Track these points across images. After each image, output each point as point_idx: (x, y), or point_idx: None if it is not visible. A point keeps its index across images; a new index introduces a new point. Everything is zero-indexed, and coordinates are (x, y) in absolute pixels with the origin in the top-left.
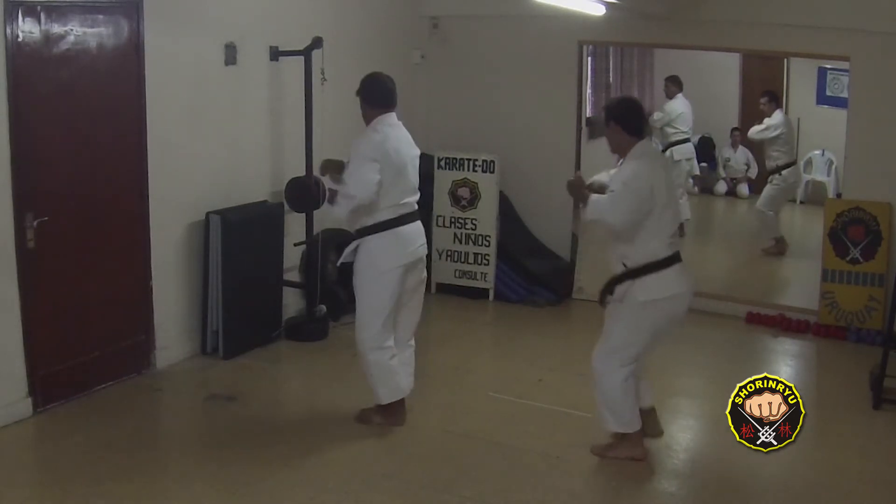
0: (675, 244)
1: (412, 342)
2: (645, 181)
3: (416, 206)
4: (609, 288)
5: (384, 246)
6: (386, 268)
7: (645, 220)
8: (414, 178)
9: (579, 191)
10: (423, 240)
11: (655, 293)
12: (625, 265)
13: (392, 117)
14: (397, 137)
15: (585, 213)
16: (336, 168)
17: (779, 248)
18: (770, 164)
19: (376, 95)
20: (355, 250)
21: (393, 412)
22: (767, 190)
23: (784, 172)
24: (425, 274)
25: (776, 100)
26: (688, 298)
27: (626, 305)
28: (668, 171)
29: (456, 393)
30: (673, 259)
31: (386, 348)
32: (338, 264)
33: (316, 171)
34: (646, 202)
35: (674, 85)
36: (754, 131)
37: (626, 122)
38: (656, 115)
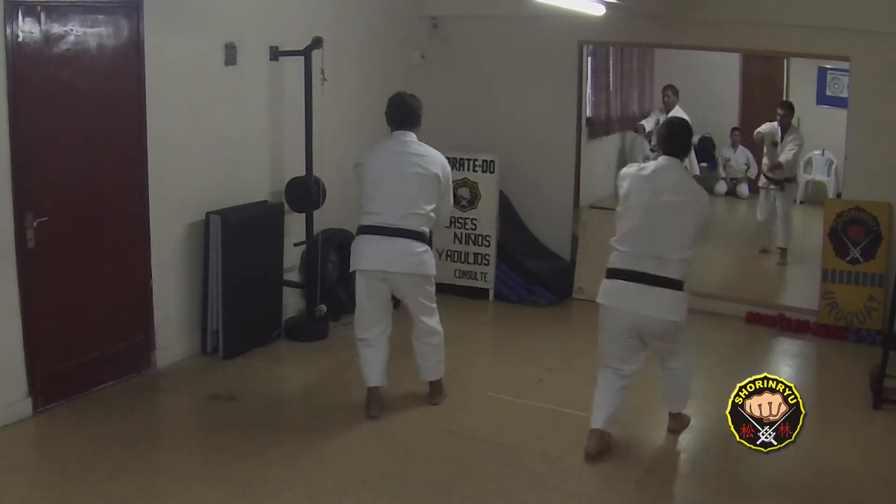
0: (628, 261)
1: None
2: (626, 182)
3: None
4: None
5: None
6: None
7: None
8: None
9: None
10: None
11: (599, 296)
12: None
13: None
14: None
15: None
16: None
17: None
18: (780, 174)
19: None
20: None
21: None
22: (768, 200)
23: (786, 185)
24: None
25: (793, 110)
26: (628, 317)
27: None
28: (654, 187)
29: (456, 393)
30: (615, 273)
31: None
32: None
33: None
34: (624, 201)
35: (674, 94)
36: (786, 160)
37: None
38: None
